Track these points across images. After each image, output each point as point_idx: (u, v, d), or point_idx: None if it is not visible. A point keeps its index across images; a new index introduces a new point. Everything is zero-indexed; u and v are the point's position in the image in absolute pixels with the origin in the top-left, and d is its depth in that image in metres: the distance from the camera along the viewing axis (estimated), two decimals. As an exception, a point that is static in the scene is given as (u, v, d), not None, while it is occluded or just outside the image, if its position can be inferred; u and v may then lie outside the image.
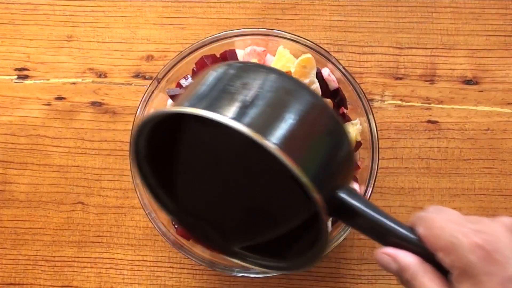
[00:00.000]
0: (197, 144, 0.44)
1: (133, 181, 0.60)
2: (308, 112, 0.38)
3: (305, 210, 0.41)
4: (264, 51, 0.61)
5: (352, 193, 0.39)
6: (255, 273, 0.58)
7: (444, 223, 0.36)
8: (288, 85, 0.39)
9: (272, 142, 0.35)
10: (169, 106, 0.41)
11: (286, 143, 0.35)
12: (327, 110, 0.40)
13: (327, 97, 0.61)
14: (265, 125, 0.36)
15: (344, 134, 0.40)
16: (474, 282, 0.34)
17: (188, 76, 0.60)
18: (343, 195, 0.38)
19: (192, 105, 0.38)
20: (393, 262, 0.38)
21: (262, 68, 0.41)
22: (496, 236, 0.35)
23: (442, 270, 0.37)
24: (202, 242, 0.52)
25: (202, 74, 0.42)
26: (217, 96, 0.38)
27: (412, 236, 0.38)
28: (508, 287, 0.33)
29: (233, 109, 0.36)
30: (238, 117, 0.36)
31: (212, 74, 0.41)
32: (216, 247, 0.48)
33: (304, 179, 0.34)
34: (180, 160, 0.45)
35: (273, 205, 0.44)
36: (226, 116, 0.35)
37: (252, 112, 0.36)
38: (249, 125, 0.35)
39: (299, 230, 0.43)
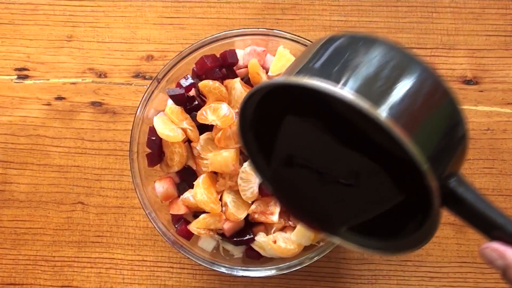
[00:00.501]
0: (303, 112, 0.43)
1: (133, 181, 0.60)
2: (426, 88, 0.36)
3: (410, 191, 0.39)
4: (264, 51, 0.61)
5: (463, 182, 0.37)
6: (255, 272, 0.58)
7: None
8: (403, 58, 0.37)
9: (388, 115, 0.33)
10: (280, 76, 0.41)
11: (404, 119, 0.33)
12: (445, 88, 0.37)
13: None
14: (379, 96, 0.34)
15: (461, 115, 0.37)
16: None
17: (188, 76, 0.60)
18: (455, 184, 0.37)
19: (304, 76, 0.37)
20: (499, 258, 0.37)
21: (375, 40, 0.39)
22: None
23: None
24: (296, 215, 0.51)
25: (313, 44, 0.41)
26: (328, 66, 0.37)
27: None
28: None
29: (343, 79, 0.35)
30: (348, 86, 0.34)
31: (323, 45, 0.39)
32: (314, 224, 0.47)
33: (423, 164, 0.33)
34: (283, 128, 0.44)
35: (375, 183, 0.42)
36: (336, 86, 0.34)
37: (363, 83, 0.34)
38: (360, 95, 0.33)
39: (404, 210, 0.41)
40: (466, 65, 0.68)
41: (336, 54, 0.38)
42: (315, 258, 0.58)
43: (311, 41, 0.59)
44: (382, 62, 0.36)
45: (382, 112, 0.33)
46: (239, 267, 0.59)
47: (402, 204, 0.41)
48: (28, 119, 0.70)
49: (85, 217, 0.69)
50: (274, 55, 0.61)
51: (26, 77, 0.71)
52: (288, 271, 0.58)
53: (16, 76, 0.71)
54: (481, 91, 0.68)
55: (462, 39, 0.69)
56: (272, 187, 0.49)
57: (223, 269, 0.59)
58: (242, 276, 0.59)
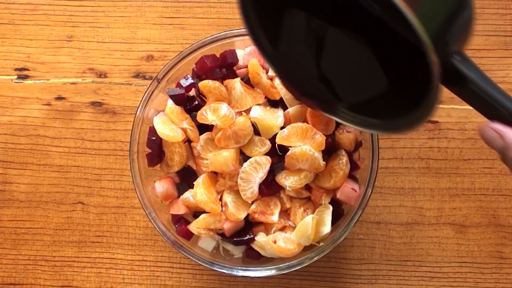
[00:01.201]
0: None
1: (133, 181, 0.60)
2: None
3: (414, 66, 0.38)
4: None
5: (467, 59, 0.36)
6: (255, 272, 0.58)
7: None
8: None
9: None
10: None
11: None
12: None
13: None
14: None
15: None
16: None
17: (188, 76, 0.60)
18: (457, 61, 0.36)
19: None
20: (499, 138, 0.36)
21: None
22: None
23: None
24: (298, 96, 0.49)
25: None
26: None
27: None
28: None
29: None
30: None
31: None
32: (316, 102, 0.46)
33: (423, 35, 0.31)
34: (288, 5, 0.42)
35: (378, 57, 0.41)
36: None
37: None
38: None
39: (407, 88, 0.40)
40: (466, 65, 0.68)
41: None
42: (315, 258, 0.58)
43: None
44: None
45: None
46: (239, 267, 0.59)
47: (402, 83, 0.40)
48: (28, 119, 0.70)
49: (85, 217, 0.69)
50: (274, 55, 0.61)
51: (26, 77, 0.71)
52: (288, 271, 0.58)
53: (16, 76, 0.71)
54: (481, 91, 0.68)
55: (462, 39, 0.69)
56: (274, 67, 0.47)
57: (223, 269, 0.59)
58: (242, 276, 0.59)
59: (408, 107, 0.39)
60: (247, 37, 0.61)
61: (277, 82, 0.58)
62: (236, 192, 0.58)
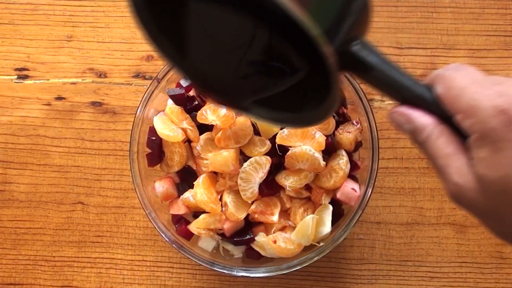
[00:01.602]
0: None
1: (133, 181, 0.60)
2: None
3: (315, 60, 0.37)
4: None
5: (367, 46, 0.36)
6: (255, 272, 0.58)
7: (465, 83, 0.33)
8: None
9: None
10: None
11: None
12: None
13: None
14: None
15: None
16: (494, 148, 0.31)
17: (188, 76, 0.60)
18: (357, 48, 0.35)
19: None
20: (407, 122, 0.36)
21: None
22: None
23: (460, 133, 0.34)
24: (209, 95, 0.48)
25: None
26: None
27: (429, 95, 0.35)
28: None
29: None
30: None
31: None
32: (225, 100, 0.45)
33: (312, 29, 0.30)
34: (184, 9, 0.40)
35: (278, 53, 0.40)
36: None
37: None
38: None
39: (314, 82, 0.39)
40: (466, 65, 0.68)
41: None
42: (315, 258, 0.58)
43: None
44: None
45: None
46: (239, 267, 0.59)
47: (308, 77, 0.39)
48: (28, 119, 0.70)
49: (85, 217, 0.69)
50: (274, 55, 0.61)
51: (26, 77, 0.71)
52: (288, 271, 0.58)
53: (16, 76, 0.71)
54: (481, 91, 0.68)
55: (462, 39, 0.69)
56: (183, 69, 0.44)
57: (223, 269, 0.59)
58: (242, 276, 0.59)
59: (316, 99, 0.39)
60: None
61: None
62: (236, 192, 0.58)
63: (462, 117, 0.33)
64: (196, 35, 0.42)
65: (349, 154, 0.59)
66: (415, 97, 0.36)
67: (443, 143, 0.34)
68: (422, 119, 0.35)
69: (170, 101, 0.60)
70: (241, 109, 0.45)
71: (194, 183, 0.58)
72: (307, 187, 0.59)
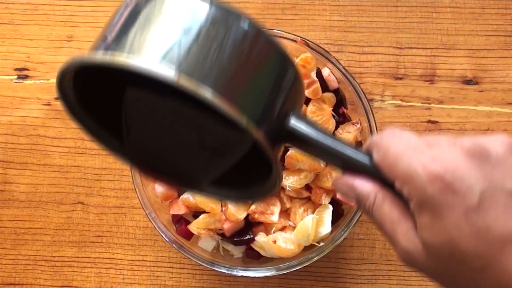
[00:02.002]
0: (129, 86, 0.39)
1: (133, 181, 0.60)
2: (236, 42, 0.33)
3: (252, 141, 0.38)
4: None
5: (301, 119, 0.36)
6: (255, 272, 0.58)
7: (399, 150, 0.33)
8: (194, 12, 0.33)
9: (193, 83, 0.30)
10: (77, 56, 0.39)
11: (214, 83, 0.31)
12: (259, 34, 0.34)
13: (327, 97, 0.61)
14: (185, 63, 0.31)
15: (284, 58, 0.35)
16: (435, 214, 0.31)
17: (188, 76, 0.60)
18: (292, 123, 0.35)
19: (101, 49, 0.34)
20: (350, 190, 0.36)
21: None
22: (456, 163, 0.31)
23: (403, 197, 0.33)
24: (154, 177, 0.48)
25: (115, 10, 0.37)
26: (123, 34, 0.33)
27: (369, 161, 0.35)
28: (471, 218, 0.30)
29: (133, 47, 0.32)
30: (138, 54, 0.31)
31: (122, 9, 0.35)
32: (172, 182, 0.45)
33: (239, 121, 0.31)
34: (120, 102, 0.41)
35: (216, 139, 0.40)
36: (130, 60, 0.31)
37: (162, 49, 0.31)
38: (161, 63, 0.31)
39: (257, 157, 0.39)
40: (466, 65, 0.68)
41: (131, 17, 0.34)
42: (315, 258, 0.58)
43: (311, 41, 0.59)
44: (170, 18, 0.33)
45: (175, 77, 0.30)
46: (239, 267, 0.59)
47: (251, 154, 0.39)
48: (28, 119, 0.70)
49: (85, 217, 0.69)
50: (274, 55, 0.61)
51: (26, 77, 0.71)
52: (288, 271, 0.58)
53: (16, 76, 0.71)
54: (481, 91, 0.68)
55: (462, 39, 0.69)
56: (126, 158, 0.44)
57: (223, 269, 0.59)
58: (242, 276, 0.59)
59: (260, 175, 0.39)
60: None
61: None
62: (236, 192, 0.58)
63: (400, 184, 0.33)
64: (134, 122, 0.41)
65: (349, 154, 0.59)
66: (356, 165, 0.36)
67: (387, 209, 0.34)
68: (364, 186, 0.35)
69: (170, 101, 0.60)
70: (189, 189, 0.45)
71: (194, 183, 0.58)
72: (307, 187, 0.59)
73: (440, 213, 0.31)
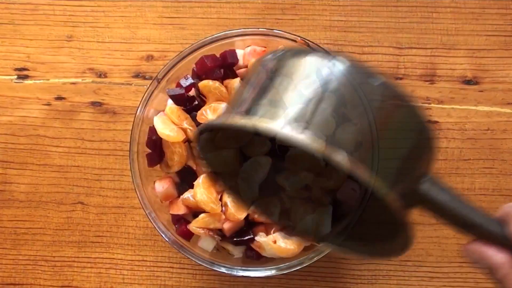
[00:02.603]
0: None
1: (133, 181, 0.60)
2: (377, 108, 0.35)
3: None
4: (264, 51, 0.61)
5: (435, 183, 0.36)
6: (255, 272, 0.58)
7: None
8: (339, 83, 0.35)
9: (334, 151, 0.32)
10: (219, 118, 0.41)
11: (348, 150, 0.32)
12: (399, 99, 0.35)
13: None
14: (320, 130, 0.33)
15: (422, 124, 0.35)
16: None
17: (188, 76, 0.60)
18: (425, 188, 0.35)
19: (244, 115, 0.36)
20: (481, 259, 0.36)
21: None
22: None
23: None
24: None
25: (253, 71, 0.38)
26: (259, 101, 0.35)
27: (502, 231, 0.35)
28: None
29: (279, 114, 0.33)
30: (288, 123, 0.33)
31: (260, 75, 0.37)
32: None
33: (379, 190, 0.31)
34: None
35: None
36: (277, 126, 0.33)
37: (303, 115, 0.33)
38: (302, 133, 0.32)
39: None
40: (466, 65, 0.68)
41: (266, 87, 0.36)
42: (315, 258, 0.58)
43: (311, 41, 0.59)
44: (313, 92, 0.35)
45: (322, 147, 0.32)
46: (239, 267, 0.59)
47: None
48: (28, 119, 0.70)
49: (85, 217, 0.69)
50: (274, 55, 0.61)
51: (26, 77, 0.71)
52: (288, 271, 0.58)
53: (16, 76, 0.71)
54: (481, 91, 0.68)
55: (462, 39, 0.69)
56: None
57: (223, 269, 0.59)
58: (242, 276, 0.59)
59: (391, 235, 0.40)
60: (247, 37, 0.61)
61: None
62: (236, 192, 0.58)
63: None
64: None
65: (349, 154, 0.59)
66: (488, 234, 0.36)
67: None
68: (496, 257, 0.35)
69: (170, 101, 0.60)
70: (329, 243, 0.46)
71: (194, 183, 0.58)
72: (307, 187, 0.59)
73: None
